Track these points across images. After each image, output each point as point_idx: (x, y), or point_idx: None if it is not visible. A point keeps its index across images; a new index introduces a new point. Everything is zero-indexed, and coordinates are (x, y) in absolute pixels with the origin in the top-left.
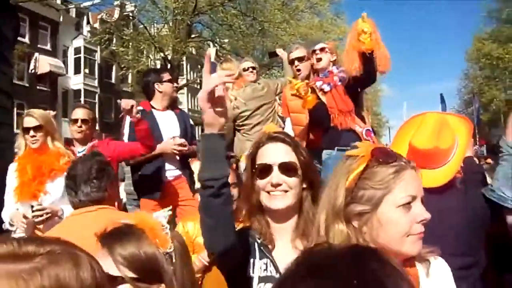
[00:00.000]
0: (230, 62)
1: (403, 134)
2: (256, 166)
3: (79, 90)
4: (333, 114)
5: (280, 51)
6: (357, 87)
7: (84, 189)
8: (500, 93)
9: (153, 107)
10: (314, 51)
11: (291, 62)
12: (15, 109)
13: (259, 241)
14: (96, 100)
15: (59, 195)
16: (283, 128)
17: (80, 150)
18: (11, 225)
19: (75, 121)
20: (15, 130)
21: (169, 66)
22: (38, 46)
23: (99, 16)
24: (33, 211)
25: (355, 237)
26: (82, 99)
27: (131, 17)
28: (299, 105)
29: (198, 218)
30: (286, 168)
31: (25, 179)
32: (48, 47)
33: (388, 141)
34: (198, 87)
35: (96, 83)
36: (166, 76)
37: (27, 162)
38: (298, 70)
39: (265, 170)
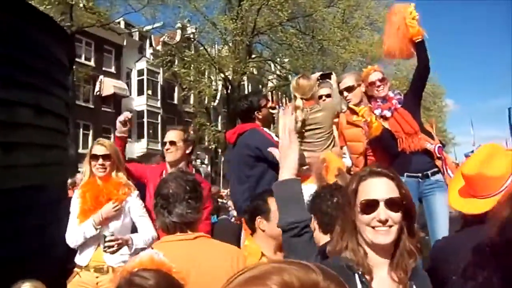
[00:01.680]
0: (307, 80)
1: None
2: (361, 201)
3: (142, 111)
4: (400, 138)
5: (333, 76)
6: (417, 87)
7: (179, 210)
8: None
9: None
10: (373, 82)
11: (341, 92)
12: (81, 129)
13: (359, 272)
14: (159, 121)
15: (119, 225)
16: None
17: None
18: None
19: (164, 143)
20: (81, 151)
21: (229, 86)
22: (103, 69)
23: (161, 39)
24: (105, 241)
25: None
26: (145, 119)
27: (192, 39)
28: (356, 133)
29: None
30: (392, 204)
31: (85, 207)
32: (113, 69)
33: (454, 159)
34: None
35: (159, 104)
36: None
37: (88, 190)
38: (348, 100)
39: (371, 205)
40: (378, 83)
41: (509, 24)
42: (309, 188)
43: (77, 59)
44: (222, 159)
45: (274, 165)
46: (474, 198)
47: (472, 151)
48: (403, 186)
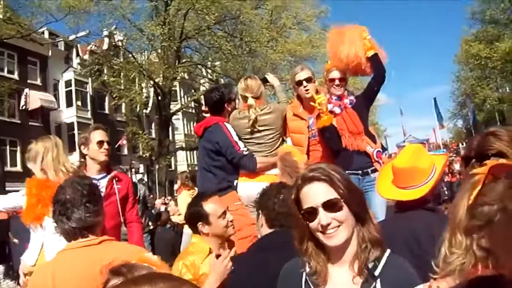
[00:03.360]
0: (254, 79)
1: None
2: (302, 212)
3: (72, 123)
4: (343, 136)
5: (269, 77)
6: (371, 93)
7: (77, 215)
8: (492, 92)
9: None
10: (333, 79)
11: (299, 83)
12: (7, 146)
13: (307, 272)
14: (101, 125)
15: None
16: None
17: (98, 177)
18: None
19: (101, 142)
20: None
21: (160, 92)
22: (28, 81)
23: (88, 48)
24: None
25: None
26: (75, 132)
27: (120, 47)
28: (300, 126)
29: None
30: (331, 206)
31: (30, 202)
32: (38, 82)
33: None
34: (193, 111)
35: (89, 114)
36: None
37: (34, 185)
38: (307, 90)
39: (311, 213)
40: (337, 82)
41: (437, 18)
42: (260, 186)
43: None
44: (157, 167)
45: (230, 161)
46: (403, 189)
47: (404, 141)
48: (339, 183)
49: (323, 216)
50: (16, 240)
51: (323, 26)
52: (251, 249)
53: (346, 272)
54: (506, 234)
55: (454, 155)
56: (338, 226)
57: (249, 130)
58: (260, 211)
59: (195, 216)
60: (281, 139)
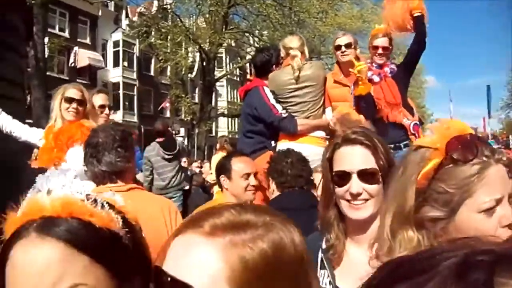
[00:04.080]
0: (298, 36)
1: None
2: (334, 173)
3: (118, 83)
4: (379, 105)
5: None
6: (411, 61)
7: (108, 158)
8: None
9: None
10: (377, 47)
11: (337, 47)
12: None
13: (323, 248)
14: (135, 93)
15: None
16: None
17: None
18: None
19: (103, 107)
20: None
21: (205, 57)
22: (78, 40)
23: (137, 10)
24: None
25: (428, 245)
26: (121, 91)
27: (168, 10)
28: (343, 93)
29: None
30: (366, 176)
31: (46, 146)
32: (88, 40)
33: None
34: (238, 79)
35: (134, 75)
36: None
37: (51, 131)
38: (345, 55)
39: (344, 177)
40: (380, 50)
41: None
42: (304, 148)
43: (50, 30)
44: (197, 131)
45: (269, 125)
46: None
47: None
48: (381, 154)
49: (355, 184)
50: None
51: (376, 1)
52: None
53: (364, 253)
54: (470, 225)
55: (503, 146)
56: (367, 200)
57: (291, 87)
58: (270, 177)
59: (221, 168)
60: (322, 100)
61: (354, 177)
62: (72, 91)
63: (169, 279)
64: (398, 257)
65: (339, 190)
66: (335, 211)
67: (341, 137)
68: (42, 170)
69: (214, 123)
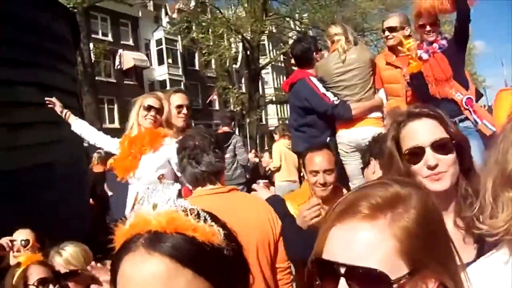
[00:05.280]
0: (342, 25)
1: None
2: (405, 151)
3: (164, 80)
4: (430, 83)
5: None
6: (459, 34)
7: (207, 159)
8: None
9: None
10: (423, 25)
11: (383, 31)
12: (105, 105)
13: None
14: (182, 88)
15: (153, 173)
16: None
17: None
18: None
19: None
20: (107, 125)
21: (248, 46)
22: (121, 42)
23: (176, 6)
24: None
25: None
26: (168, 88)
27: (207, 3)
28: (395, 74)
29: None
30: (440, 146)
31: (122, 154)
32: (131, 42)
33: (486, 102)
34: (282, 64)
35: (180, 71)
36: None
37: (126, 139)
38: (389, 39)
39: (417, 153)
40: (428, 28)
41: None
42: (363, 131)
43: (94, 35)
44: (248, 121)
45: (323, 115)
46: None
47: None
48: (449, 124)
49: (431, 157)
50: (110, 193)
51: None
52: None
53: (450, 229)
54: None
55: None
56: (445, 172)
57: (338, 70)
58: (372, 158)
59: (299, 158)
60: (371, 81)
61: (428, 150)
62: (151, 100)
63: (343, 269)
64: None
65: (415, 167)
66: None
67: (404, 114)
68: (101, 175)
69: (263, 112)
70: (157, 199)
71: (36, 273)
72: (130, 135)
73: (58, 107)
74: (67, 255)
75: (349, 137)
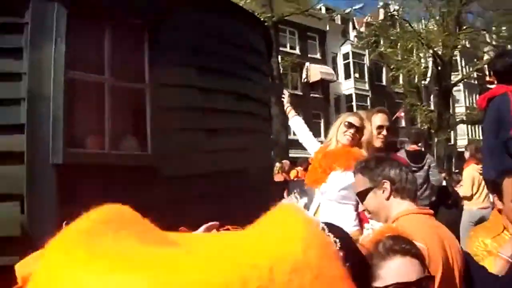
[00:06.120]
0: None
1: None
2: None
3: (350, 95)
4: None
5: None
6: None
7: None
8: None
9: None
10: None
11: None
12: None
13: None
14: (368, 103)
15: (338, 190)
16: None
17: None
18: None
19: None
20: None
21: (440, 62)
22: (308, 55)
23: (364, 20)
24: None
25: None
26: (354, 103)
27: (396, 16)
28: None
29: None
30: None
31: (313, 165)
32: (318, 55)
33: None
34: (475, 82)
35: (367, 86)
36: None
37: (321, 151)
38: None
39: None
40: None
41: None
42: None
43: (282, 48)
44: (436, 140)
45: None
46: None
47: None
48: None
49: None
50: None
51: None
52: None
53: None
54: None
55: None
56: None
57: None
58: None
59: (493, 185)
60: None
61: None
62: (353, 118)
63: None
64: None
65: None
66: None
67: None
68: (283, 184)
69: (452, 131)
70: None
71: None
72: (326, 148)
73: (286, 99)
74: None
75: None
